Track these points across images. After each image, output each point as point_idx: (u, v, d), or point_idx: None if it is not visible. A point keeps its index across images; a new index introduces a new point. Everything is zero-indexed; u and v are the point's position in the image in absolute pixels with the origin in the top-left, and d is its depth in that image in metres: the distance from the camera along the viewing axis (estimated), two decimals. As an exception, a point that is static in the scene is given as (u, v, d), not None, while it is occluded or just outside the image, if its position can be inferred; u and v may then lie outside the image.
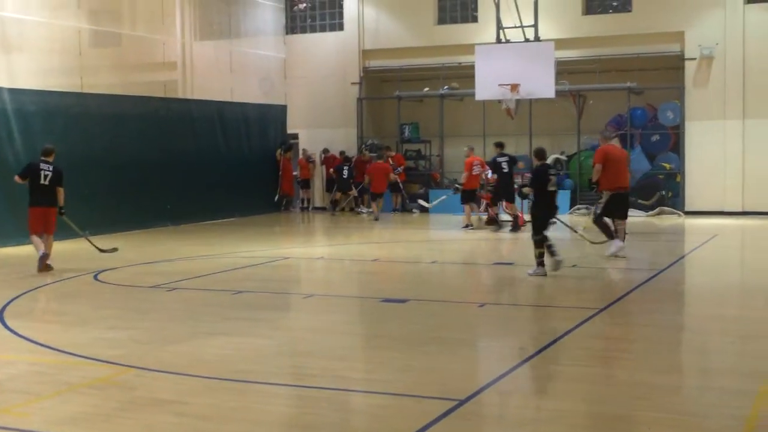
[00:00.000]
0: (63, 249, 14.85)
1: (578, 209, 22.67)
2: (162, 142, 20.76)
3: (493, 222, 19.32)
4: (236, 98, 23.79)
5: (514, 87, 21.33)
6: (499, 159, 18.85)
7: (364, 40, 25.91)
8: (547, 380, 7.24)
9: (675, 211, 22.36)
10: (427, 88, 25.07)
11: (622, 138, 22.50)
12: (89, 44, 19.90)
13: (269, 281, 12.69)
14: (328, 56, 26.14)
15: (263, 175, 24.44)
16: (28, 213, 13.31)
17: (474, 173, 19.62)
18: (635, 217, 21.16)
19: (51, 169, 13.28)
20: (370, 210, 23.51)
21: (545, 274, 12.11)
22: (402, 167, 24.55)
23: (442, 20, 25.39)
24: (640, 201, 22.18)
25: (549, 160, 21.47)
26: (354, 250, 16.82)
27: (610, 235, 14.00)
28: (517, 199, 18.42)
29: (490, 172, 19.46)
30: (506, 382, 6.97)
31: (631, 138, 22.99)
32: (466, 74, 23.03)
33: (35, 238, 13.21)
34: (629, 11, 23.53)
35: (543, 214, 12.38)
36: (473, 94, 22.37)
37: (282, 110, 25.81)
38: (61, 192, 13.34)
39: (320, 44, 26.42)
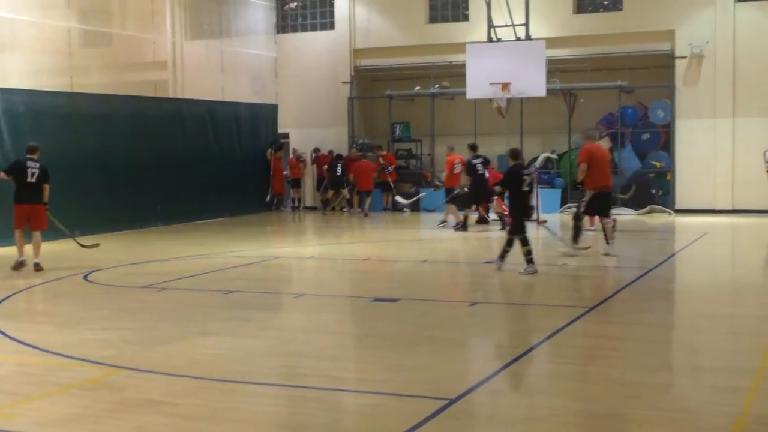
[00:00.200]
0: (53, 249, 14.82)
1: (569, 208, 22.66)
2: (153, 142, 20.66)
3: (483, 221, 19.38)
4: (227, 97, 23.72)
5: (505, 86, 21.34)
6: (474, 161, 18.74)
7: (355, 39, 25.89)
8: (538, 379, 7.26)
9: (665, 209, 22.40)
10: (418, 87, 25.06)
11: (612, 136, 22.59)
12: (79, 44, 19.85)
13: (260, 281, 12.67)
14: (319, 55, 26.11)
15: (254, 175, 24.37)
16: (14, 210, 13.41)
17: (455, 172, 19.61)
18: (625, 216, 21.23)
19: (38, 167, 13.35)
20: (358, 210, 23.49)
21: (536, 272, 12.15)
22: (393, 166, 24.53)
23: (433, 19, 25.39)
24: (620, 196, 22.11)
25: (540, 159, 21.91)
26: (345, 250, 16.80)
27: (576, 237, 14.28)
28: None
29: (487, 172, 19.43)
30: (497, 381, 6.97)
31: (622, 136, 23.02)
32: (457, 73, 23.03)
33: (18, 235, 13.27)
34: (620, 10, 23.57)
35: (518, 214, 12.50)
36: (464, 93, 22.39)
37: (273, 109, 25.76)
38: (46, 188, 13.44)
39: (311, 43, 26.39)
